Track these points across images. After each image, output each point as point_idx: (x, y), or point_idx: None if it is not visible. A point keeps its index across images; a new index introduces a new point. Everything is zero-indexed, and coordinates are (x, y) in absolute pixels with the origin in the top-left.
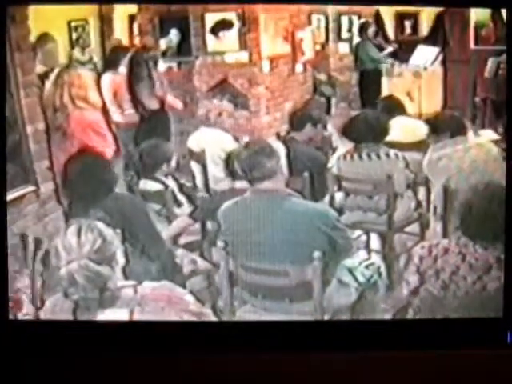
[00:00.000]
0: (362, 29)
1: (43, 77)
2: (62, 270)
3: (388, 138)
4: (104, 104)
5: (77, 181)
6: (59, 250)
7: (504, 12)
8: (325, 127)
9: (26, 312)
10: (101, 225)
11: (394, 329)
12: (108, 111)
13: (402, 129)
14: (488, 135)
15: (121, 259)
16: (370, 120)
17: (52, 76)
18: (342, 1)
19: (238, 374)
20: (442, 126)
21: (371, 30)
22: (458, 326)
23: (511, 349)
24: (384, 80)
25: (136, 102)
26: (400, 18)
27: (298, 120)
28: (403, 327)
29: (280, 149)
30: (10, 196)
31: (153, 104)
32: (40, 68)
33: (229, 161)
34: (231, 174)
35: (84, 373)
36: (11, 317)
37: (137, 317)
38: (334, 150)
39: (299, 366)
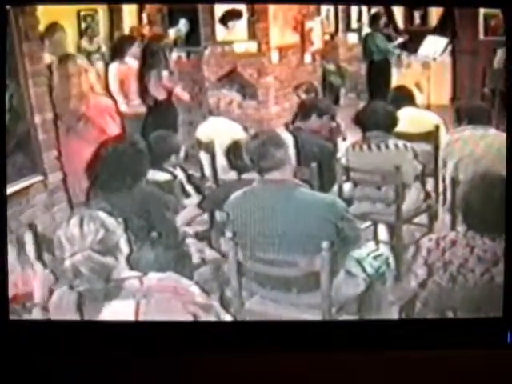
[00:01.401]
0: (373, 19)
1: (52, 66)
2: (66, 262)
3: (397, 129)
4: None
5: (109, 167)
6: (63, 241)
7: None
8: (332, 119)
9: (36, 302)
10: (102, 214)
11: (393, 329)
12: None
13: (411, 119)
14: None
15: (125, 248)
16: (380, 110)
17: (62, 65)
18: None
19: (238, 374)
20: (468, 114)
21: (382, 21)
22: (458, 325)
23: (511, 349)
24: (393, 71)
25: (144, 92)
26: (409, 9)
27: (304, 109)
28: (403, 327)
29: (288, 139)
30: (18, 186)
31: (161, 95)
32: (48, 57)
33: (235, 151)
34: (237, 165)
35: (85, 373)
36: (19, 309)
37: (143, 309)
38: (343, 140)
39: (299, 366)
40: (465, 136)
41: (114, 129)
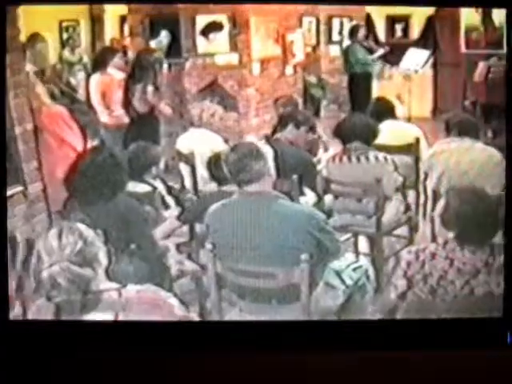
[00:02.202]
0: (353, 31)
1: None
2: (43, 273)
3: (377, 141)
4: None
5: (88, 178)
6: (41, 252)
7: (495, 16)
8: (310, 130)
9: (16, 313)
10: (81, 226)
11: (393, 329)
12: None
13: (392, 132)
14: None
15: (103, 260)
16: (361, 122)
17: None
18: (339, 1)
19: (235, 374)
20: (456, 126)
21: (361, 33)
22: (459, 326)
23: (511, 349)
24: (374, 83)
25: (127, 104)
26: (391, 21)
27: (282, 120)
28: (403, 327)
29: (268, 151)
30: None
31: (143, 108)
32: (30, 68)
33: (215, 163)
34: (217, 177)
35: (85, 372)
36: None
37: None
38: (325, 152)
39: (298, 366)
40: (451, 148)
41: (72, 136)
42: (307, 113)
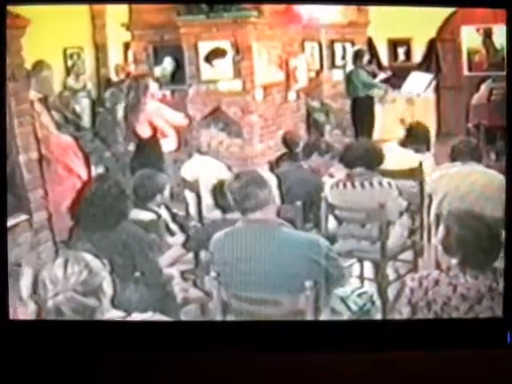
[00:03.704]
0: (356, 56)
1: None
2: (49, 302)
3: (381, 166)
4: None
5: (92, 206)
6: (46, 281)
7: (495, 37)
8: (332, 158)
9: None
10: (88, 256)
11: (394, 329)
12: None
13: (395, 156)
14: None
15: (108, 290)
16: (365, 148)
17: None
18: (347, 1)
19: (236, 373)
20: (457, 150)
21: (365, 58)
22: (458, 326)
23: (511, 349)
24: (377, 107)
25: (130, 130)
26: (393, 45)
27: (306, 147)
28: (403, 328)
29: (271, 179)
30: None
31: (145, 132)
32: (35, 95)
33: (220, 191)
34: (221, 204)
35: (85, 372)
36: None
37: None
38: (330, 177)
39: (298, 366)
40: (452, 172)
41: (79, 166)
42: (330, 141)
